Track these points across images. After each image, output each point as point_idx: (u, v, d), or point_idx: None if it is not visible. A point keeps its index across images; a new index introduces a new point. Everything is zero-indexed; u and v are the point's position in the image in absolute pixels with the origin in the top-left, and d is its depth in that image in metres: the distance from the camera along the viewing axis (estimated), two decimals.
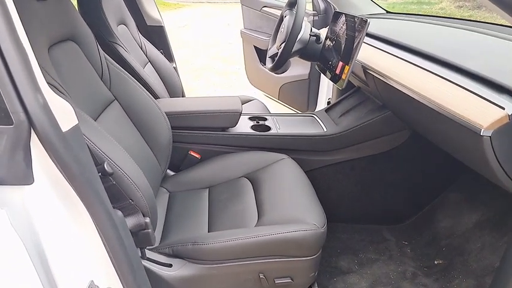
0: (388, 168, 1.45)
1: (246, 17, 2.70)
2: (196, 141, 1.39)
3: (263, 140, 1.40)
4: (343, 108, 1.54)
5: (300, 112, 2.46)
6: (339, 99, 1.62)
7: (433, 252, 1.38)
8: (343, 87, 1.26)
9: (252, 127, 1.46)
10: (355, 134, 1.38)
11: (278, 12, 2.41)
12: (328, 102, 2.26)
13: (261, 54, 2.64)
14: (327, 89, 2.26)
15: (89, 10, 1.37)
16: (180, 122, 1.35)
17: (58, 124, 0.62)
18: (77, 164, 0.64)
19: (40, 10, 0.88)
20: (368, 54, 1.24)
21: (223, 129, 1.40)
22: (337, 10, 1.50)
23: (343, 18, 1.38)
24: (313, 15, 2.17)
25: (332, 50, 1.44)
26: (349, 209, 1.44)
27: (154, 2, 2.02)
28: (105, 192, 0.73)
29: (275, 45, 1.73)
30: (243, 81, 4.68)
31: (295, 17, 1.47)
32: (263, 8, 2.53)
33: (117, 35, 1.45)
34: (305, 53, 1.60)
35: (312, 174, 1.34)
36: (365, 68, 1.27)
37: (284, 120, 1.54)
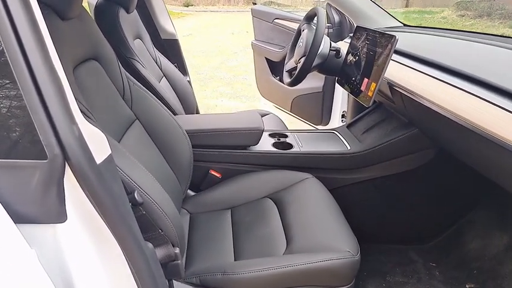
0: (414, 187, 1.41)
1: (257, 29, 2.67)
2: (217, 160, 1.35)
3: (285, 159, 1.36)
4: (365, 124, 1.50)
5: (313, 125, 2.42)
6: (360, 115, 1.58)
7: (463, 275, 1.32)
8: (370, 104, 1.22)
9: (274, 145, 1.41)
10: (380, 152, 1.34)
11: (290, 25, 2.39)
12: (343, 115, 2.23)
13: (273, 66, 2.61)
14: (341, 102, 2.23)
15: (106, 25, 1.33)
16: (201, 140, 1.31)
17: (93, 156, 0.57)
18: (111, 198, 0.60)
19: (66, 30, 0.84)
20: (393, 70, 1.20)
21: (245, 147, 1.35)
22: (359, 25, 1.46)
23: (366, 33, 1.34)
24: (328, 28, 2.15)
25: (355, 66, 1.40)
26: (373, 228, 1.40)
27: (168, 14, 2.00)
28: (137, 225, 0.68)
29: (293, 60, 1.70)
30: (249, 91, 4.66)
31: (316, 31, 1.43)
32: (275, 20, 2.50)
33: (135, 50, 1.42)
34: (325, 67, 1.57)
35: (335, 193, 1.30)
36: (391, 85, 1.23)
37: (305, 137, 1.49)
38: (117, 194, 0.62)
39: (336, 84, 2.23)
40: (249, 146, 1.36)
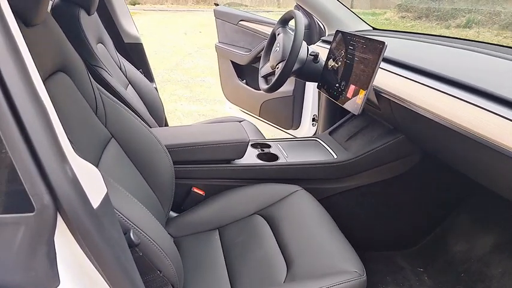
0: (400, 192, 1.39)
1: (221, 31, 2.58)
2: (199, 176, 1.24)
3: (272, 171, 1.28)
4: (348, 131, 1.46)
5: (283, 129, 2.37)
6: (342, 121, 1.54)
7: (452, 279, 1.32)
8: (359, 113, 1.17)
9: (258, 156, 1.33)
10: (368, 159, 1.30)
11: (256, 27, 2.32)
12: (314, 119, 2.20)
13: (239, 69, 2.53)
14: (311, 106, 2.20)
15: (66, 30, 1.18)
16: (182, 156, 1.20)
17: (89, 200, 0.46)
18: (111, 249, 0.49)
19: (31, 39, 0.71)
20: (379, 76, 1.16)
21: (229, 161, 1.26)
22: (339, 29, 1.41)
23: (350, 38, 1.30)
24: (294, 27, 2.10)
25: (337, 72, 1.35)
26: (360, 237, 1.36)
27: (131, 16, 1.85)
28: (137, 273, 0.58)
29: (268, 65, 1.63)
30: (209, 94, 4.53)
31: (296, 35, 1.37)
32: (240, 22, 2.42)
33: (99, 57, 1.27)
34: (303, 72, 1.51)
35: (323, 203, 1.25)
36: (378, 92, 1.20)
37: (288, 146, 1.43)
38: (115, 240, 0.51)
39: (306, 87, 2.21)
40: (234, 160, 1.27)
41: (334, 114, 1.91)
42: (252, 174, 1.27)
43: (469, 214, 1.42)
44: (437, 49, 1.38)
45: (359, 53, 1.23)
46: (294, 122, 2.28)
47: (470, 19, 7.85)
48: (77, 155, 0.48)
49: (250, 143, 1.39)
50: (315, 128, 2.21)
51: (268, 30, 2.22)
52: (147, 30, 8.36)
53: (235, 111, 2.80)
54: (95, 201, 0.48)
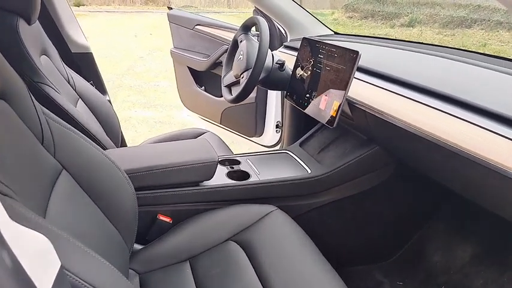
0: (375, 204, 1.36)
1: (176, 35, 2.45)
2: (165, 201, 1.12)
3: (244, 191, 1.19)
4: (319, 142, 1.40)
5: (247, 137, 2.30)
6: (311, 132, 1.48)
7: None
8: (335, 126, 1.12)
9: (228, 175, 1.24)
10: (343, 173, 1.25)
11: (214, 31, 2.22)
12: (277, 125, 2.14)
13: (197, 75, 2.42)
14: (275, 112, 2.14)
15: (4, 44, 1.02)
16: (145, 181, 1.08)
17: None
18: None
19: None
20: (351, 86, 1.11)
21: (197, 183, 1.16)
22: (307, 36, 1.36)
23: (319, 46, 1.24)
24: (257, 36, 2.03)
25: (307, 81, 1.29)
26: (336, 252, 1.32)
27: (78, 24, 1.67)
28: None
29: (231, 74, 1.54)
30: (164, 99, 4.36)
31: (261, 42, 1.30)
32: (196, 27, 2.31)
33: (43, 72, 1.12)
34: (269, 81, 1.44)
35: (299, 221, 1.18)
36: (352, 103, 1.15)
37: (258, 161, 1.34)
38: None
39: (269, 94, 2.15)
40: (202, 182, 1.16)
41: (299, 123, 1.86)
42: (222, 195, 1.17)
43: (445, 222, 1.42)
44: (405, 55, 1.36)
45: (330, 62, 1.17)
46: (258, 129, 2.22)
47: (413, 18, 8.24)
48: (17, 224, 0.37)
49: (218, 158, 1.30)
50: (278, 134, 2.16)
51: (226, 35, 2.13)
52: (94, 33, 7.96)
53: (194, 119, 2.69)
54: (46, 285, 0.37)
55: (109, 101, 1.70)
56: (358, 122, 1.21)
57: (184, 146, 1.22)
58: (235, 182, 1.20)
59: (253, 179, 1.22)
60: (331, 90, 1.15)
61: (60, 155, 0.84)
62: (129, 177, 0.99)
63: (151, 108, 4.07)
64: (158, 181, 1.09)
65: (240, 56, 1.46)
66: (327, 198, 1.29)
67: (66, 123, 0.90)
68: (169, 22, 2.44)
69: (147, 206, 1.10)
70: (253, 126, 2.21)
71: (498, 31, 6.55)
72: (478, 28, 6.84)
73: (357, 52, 1.06)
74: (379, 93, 1.07)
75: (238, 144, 2.49)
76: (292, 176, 1.24)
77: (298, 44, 1.41)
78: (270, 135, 2.20)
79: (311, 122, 1.36)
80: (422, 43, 1.49)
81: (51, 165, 0.80)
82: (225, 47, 2.07)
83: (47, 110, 0.87)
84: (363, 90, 1.13)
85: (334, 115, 1.12)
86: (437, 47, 1.40)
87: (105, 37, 7.92)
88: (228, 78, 1.57)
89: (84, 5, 13.77)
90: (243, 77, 1.42)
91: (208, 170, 1.13)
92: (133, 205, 0.98)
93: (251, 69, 1.32)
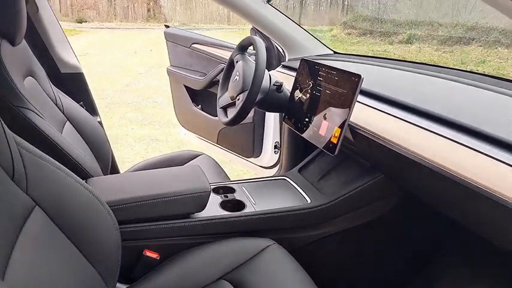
0: (381, 234, 1.27)
1: (172, 54, 2.41)
2: (152, 235, 1.04)
3: (239, 223, 1.11)
4: (320, 168, 1.32)
5: (244, 158, 2.23)
6: (310, 157, 1.40)
7: None
8: (336, 153, 1.04)
9: (221, 205, 1.16)
10: (345, 202, 1.17)
11: (211, 50, 2.18)
12: (275, 146, 2.07)
13: (193, 94, 2.37)
14: (273, 133, 2.08)
15: None
16: (130, 214, 1.00)
17: None
18: None
19: None
20: (354, 110, 1.04)
21: (187, 215, 1.07)
22: (305, 58, 1.30)
23: (319, 68, 1.18)
24: (255, 55, 1.98)
25: (306, 104, 1.22)
26: (342, 286, 1.22)
27: (68, 43, 1.61)
28: None
29: (227, 95, 1.48)
30: (162, 116, 4.30)
31: (257, 63, 1.24)
32: (193, 45, 2.26)
33: (26, 96, 1.05)
34: (266, 103, 1.38)
35: (298, 254, 1.09)
36: (355, 129, 1.08)
37: (255, 189, 1.26)
38: None
39: (267, 114, 2.08)
40: (193, 213, 1.08)
41: (298, 145, 1.79)
42: (215, 228, 1.09)
43: (456, 257, 1.32)
44: (408, 77, 1.30)
45: (331, 85, 1.11)
46: (255, 150, 2.15)
47: (411, 35, 8.27)
48: None
49: (211, 186, 1.22)
50: (277, 155, 2.09)
51: (223, 54, 2.09)
52: (95, 49, 7.99)
53: (191, 137, 2.62)
54: None
55: (100, 122, 1.63)
56: (361, 149, 1.14)
57: (174, 173, 1.14)
58: (229, 213, 1.11)
59: (248, 209, 1.14)
60: (331, 115, 1.08)
61: (33, 190, 0.76)
62: (113, 209, 0.91)
63: (148, 126, 4.01)
64: (144, 213, 1.01)
65: (236, 77, 1.40)
66: (328, 230, 1.20)
67: (42, 153, 0.83)
68: (166, 40, 2.40)
69: (132, 240, 1.02)
70: (251, 147, 2.15)
71: (497, 48, 6.56)
72: (476, 45, 6.86)
73: (359, 76, 0.99)
74: (384, 119, 1.00)
75: (236, 164, 2.42)
76: (290, 206, 1.15)
77: (296, 64, 1.35)
78: (268, 156, 2.13)
79: (311, 144, 1.29)
80: (425, 64, 1.44)
81: (21, 201, 0.73)
82: (222, 65, 2.02)
83: (21, 139, 0.80)
84: (366, 115, 1.06)
85: (335, 142, 1.05)
86: (440, 68, 1.34)
87: (106, 53, 7.93)
88: (223, 99, 1.51)
89: (86, 21, 13.90)
90: (238, 99, 1.36)
91: (200, 201, 1.05)
92: (116, 240, 0.89)
93: (247, 91, 1.26)
